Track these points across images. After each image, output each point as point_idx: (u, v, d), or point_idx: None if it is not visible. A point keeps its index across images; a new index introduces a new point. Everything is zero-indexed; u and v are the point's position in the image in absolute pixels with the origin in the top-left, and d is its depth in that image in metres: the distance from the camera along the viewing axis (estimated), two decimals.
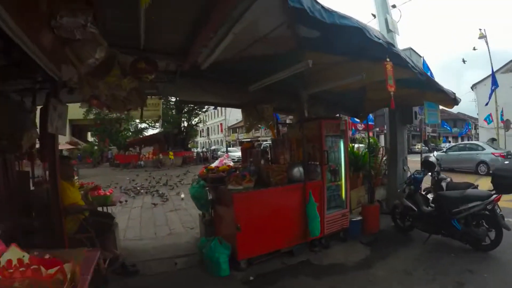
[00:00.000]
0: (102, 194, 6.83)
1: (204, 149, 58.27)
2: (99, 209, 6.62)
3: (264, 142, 32.21)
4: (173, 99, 41.93)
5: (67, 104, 4.89)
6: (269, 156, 7.26)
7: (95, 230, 5.16)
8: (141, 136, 47.09)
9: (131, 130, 46.36)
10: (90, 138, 51.35)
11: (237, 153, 38.80)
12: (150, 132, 47.42)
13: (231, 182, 5.89)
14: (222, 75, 6.80)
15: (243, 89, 7.08)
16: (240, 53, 5.39)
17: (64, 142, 46.25)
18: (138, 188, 17.87)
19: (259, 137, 62.91)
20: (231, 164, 25.31)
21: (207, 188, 6.74)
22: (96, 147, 46.84)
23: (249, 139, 67.27)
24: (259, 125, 7.56)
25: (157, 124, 41.87)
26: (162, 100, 8.21)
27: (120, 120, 40.67)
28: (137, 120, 40.57)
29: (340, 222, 7.11)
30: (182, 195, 14.64)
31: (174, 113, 40.70)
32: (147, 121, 40.51)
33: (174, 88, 6.82)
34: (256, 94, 7.12)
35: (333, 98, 8.43)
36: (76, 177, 7.80)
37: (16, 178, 5.51)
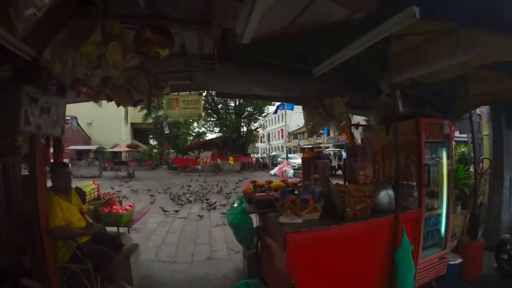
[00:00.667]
0: (115, 211, 5.20)
1: (264, 155, 56.59)
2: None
3: (327, 150, 29.86)
4: (232, 103, 41.15)
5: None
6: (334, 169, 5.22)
7: (95, 260, 4.04)
8: (200, 140, 46.59)
9: (192, 134, 45.86)
10: (153, 141, 51.68)
11: (297, 160, 37.05)
12: (209, 136, 46.91)
13: (285, 212, 3.89)
14: (274, 58, 5.03)
15: (304, 77, 5.17)
16: (296, 20, 3.61)
17: (124, 145, 47.26)
18: (188, 195, 16.62)
19: (321, 143, 60.72)
20: (291, 171, 23.73)
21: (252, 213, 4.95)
22: (155, 150, 47.06)
23: (310, 146, 65.23)
24: (327, 126, 5.49)
25: (216, 128, 41.19)
26: (203, 96, 6.33)
27: (179, 124, 40.48)
28: (195, 124, 39.97)
29: (436, 268, 4.82)
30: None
31: (233, 117, 39.85)
32: (204, 126, 39.89)
33: (212, 78, 5.25)
34: (321, 84, 5.22)
35: (416, 93, 6.17)
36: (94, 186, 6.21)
37: (20, 185, 4.76)
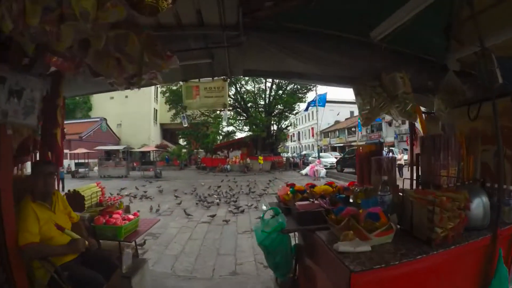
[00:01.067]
0: (113, 222, 4.09)
1: (294, 154, 55.13)
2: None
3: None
4: (262, 101, 39.95)
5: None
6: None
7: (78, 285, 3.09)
8: (230, 140, 45.73)
9: (222, 133, 45.01)
10: (182, 141, 51.34)
11: (329, 158, 35.71)
12: (239, 135, 45.93)
13: (344, 234, 2.59)
14: (317, 24, 3.78)
15: (354, 49, 3.92)
16: None
17: (153, 145, 47.11)
18: (215, 196, 15.67)
19: (353, 141, 58.54)
20: (323, 171, 22.35)
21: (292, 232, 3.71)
22: (184, 150, 46.58)
23: (341, 144, 63.42)
24: (387, 111, 4.11)
25: (245, 127, 40.13)
26: (228, 81, 5.15)
27: (208, 123, 39.73)
28: (224, 123, 39.29)
29: None
30: (264, 207, 12.15)
31: (263, 116, 38.60)
32: (233, 125, 39.10)
33: (238, 53, 4.08)
34: (375, 58, 3.95)
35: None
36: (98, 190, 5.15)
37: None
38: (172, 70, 3.37)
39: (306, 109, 37.99)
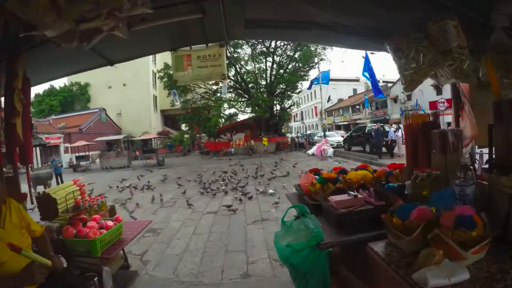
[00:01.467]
0: (85, 233, 3.15)
1: (299, 134, 53.96)
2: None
3: (370, 125, 27.40)
4: (264, 81, 38.79)
5: None
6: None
7: None
8: (232, 122, 44.73)
9: (224, 116, 43.93)
10: (184, 127, 50.37)
11: (336, 137, 34.91)
12: (241, 117, 44.69)
13: (426, 254, 1.62)
14: None
15: None
16: None
17: (154, 132, 46.26)
18: (221, 182, 14.65)
19: (359, 119, 57.12)
20: (330, 150, 21.69)
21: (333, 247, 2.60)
22: (187, 136, 45.70)
23: (346, 122, 62.17)
24: (434, 75, 3.02)
25: (248, 109, 39.03)
26: (226, 47, 4.11)
27: (208, 106, 38.70)
28: (226, 105, 38.20)
29: None
30: (271, 191, 11.67)
31: (264, 96, 37.00)
32: (235, 105, 37.90)
33: (236, 3, 3.18)
34: (414, 9, 2.98)
35: None
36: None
37: None
38: (157, 36, 2.40)
39: (309, 87, 36.50)
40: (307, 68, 38.82)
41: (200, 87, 38.62)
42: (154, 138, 34.07)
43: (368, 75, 21.66)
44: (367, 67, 21.74)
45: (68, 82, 54.44)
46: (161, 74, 37.75)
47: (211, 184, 14.14)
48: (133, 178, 18.92)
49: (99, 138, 34.06)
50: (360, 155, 22.10)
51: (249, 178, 15.87)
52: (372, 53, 22.51)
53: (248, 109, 39.32)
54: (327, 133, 36.65)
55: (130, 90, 50.75)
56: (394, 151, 20.75)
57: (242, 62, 38.51)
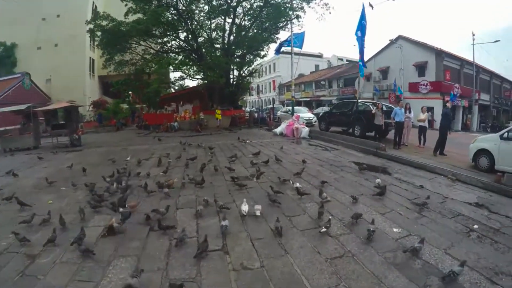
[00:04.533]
0: None
1: (253, 109, 46.44)
2: None
3: (366, 102, 20.98)
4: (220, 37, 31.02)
5: None
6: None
7: None
8: (179, 90, 37.09)
9: (169, 83, 36.37)
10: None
11: (306, 114, 28.28)
12: (191, 85, 36.76)
13: None
14: None
15: None
16: None
17: (89, 101, 39.05)
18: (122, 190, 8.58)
19: (322, 96, 52.64)
20: (305, 130, 13.37)
21: None
22: (126, 106, 37.72)
23: (308, 99, 56.31)
24: None
25: (197, 75, 30.95)
26: None
27: (149, 67, 30.54)
28: (171, 68, 29.74)
29: None
30: (258, 209, 6.77)
31: (219, 55, 28.73)
32: (182, 68, 29.29)
33: None
34: None
35: None
36: None
37: None
38: None
39: (278, 51, 28.86)
40: (275, 28, 31.10)
41: (140, 44, 30.96)
42: (64, 107, 24.93)
43: (360, 35, 17.74)
44: (361, 25, 17.83)
45: None
46: (91, 26, 29.35)
47: (106, 196, 8.15)
48: (25, 167, 13.55)
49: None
50: (355, 140, 15.84)
51: (187, 186, 9.28)
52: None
53: (199, 76, 31.34)
54: (297, 108, 29.94)
55: (62, 52, 43.33)
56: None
57: (196, 18, 30.52)
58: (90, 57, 46.67)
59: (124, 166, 11.86)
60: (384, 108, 16.69)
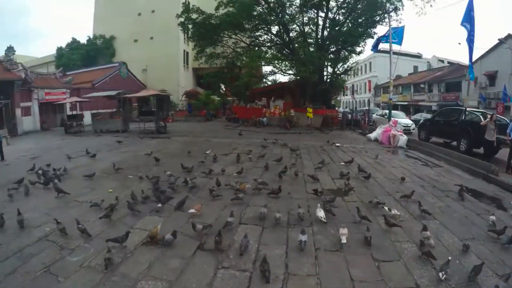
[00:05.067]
0: None
1: (347, 110, 43.99)
2: None
3: (476, 111, 17.89)
4: (313, 37, 29.80)
5: None
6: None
7: None
8: (270, 84, 36.40)
9: (266, 75, 36.59)
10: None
11: (404, 119, 25.70)
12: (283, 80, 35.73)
13: None
14: None
15: None
16: None
17: (182, 91, 41.07)
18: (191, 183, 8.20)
19: (420, 100, 48.06)
20: (403, 138, 13.41)
21: None
22: (217, 98, 39.19)
23: (405, 103, 52.02)
24: None
25: (289, 71, 29.75)
26: None
27: (239, 59, 30.16)
28: (263, 62, 28.85)
29: None
30: (344, 234, 5.42)
31: (313, 50, 27.32)
32: (273, 63, 28.36)
33: None
34: None
35: None
36: None
37: None
38: None
39: (375, 47, 26.44)
40: (371, 22, 28.62)
41: (231, 38, 30.86)
42: (159, 96, 25.66)
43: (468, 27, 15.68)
44: (469, 16, 15.78)
45: (92, 35, 50.55)
46: (182, 19, 30.10)
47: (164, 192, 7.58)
48: (105, 150, 14.55)
49: (91, 94, 27.71)
50: (461, 157, 13.13)
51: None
52: None
53: (291, 71, 30.04)
54: (394, 112, 27.20)
55: (158, 44, 45.36)
56: None
57: (288, 11, 29.62)
58: (184, 50, 48.08)
59: (203, 160, 11.40)
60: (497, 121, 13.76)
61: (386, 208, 6.51)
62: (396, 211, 6.39)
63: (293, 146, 14.72)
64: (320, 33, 29.26)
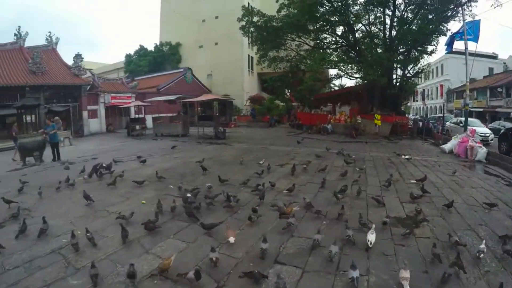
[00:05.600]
0: None
1: (417, 117, 41.10)
2: None
3: None
4: (380, 37, 27.96)
5: None
6: None
7: None
8: (335, 90, 34.81)
9: (332, 78, 35.06)
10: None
11: (481, 128, 22.90)
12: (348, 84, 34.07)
13: None
14: None
15: None
16: None
17: (246, 96, 41.68)
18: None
19: (497, 107, 41.77)
20: (482, 151, 14.25)
21: None
22: (281, 103, 38.35)
23: (480, 109, 46.78)
24: None
25: (355, 74, 27.97)
26: None
27: (302, 63, 28.85)
28: (327, 65, 27.23)
29: None
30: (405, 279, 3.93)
31: (380, 52, 25.29)
32: (338, 65, 26.52)
33: None
34: None
35: None
36: None
37: None
38: None
39: (450, 45, 23.62)
40: (443, 17, 25.73)
41: (294, 40, 29.70)
42: (213, 99, 25.30)
43: None
44: None
45: (159, 42, 53.78)
46: (243, 22, 29.56)
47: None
48: (159, 154, 14.83)
49: (154, 98, 29.48)
50: None
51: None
52: None
53: (357, 75, 28.25)
54: (471, 119, 24.24)
55: (222, 50, 46.73)
56: None
57: (352, 10, 27.97)
58: (248, 55, 48.44)
59: (257, 171, 10.26)
60: None
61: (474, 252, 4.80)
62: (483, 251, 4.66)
63: (356, 158, 13.27)
64: (387, 33, 27.18)
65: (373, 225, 5.22)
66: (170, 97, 26.61)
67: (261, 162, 11.62)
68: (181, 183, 8.61)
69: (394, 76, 28.70)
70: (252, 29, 29.61)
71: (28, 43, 27.60)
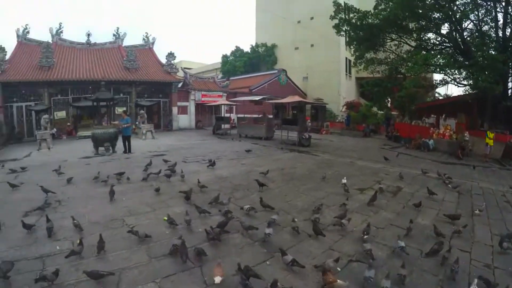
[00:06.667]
0: None
1: None
2: None
3: None
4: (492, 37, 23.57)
5: None
6: None
7: None
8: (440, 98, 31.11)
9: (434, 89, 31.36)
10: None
11: None
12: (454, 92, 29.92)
13: None
14: None
15: None
16: None
17: (343, 101, 40.72)
18: None
19: None
20: None
21: None
22: (379, 111, 35.11)
23: None
24: None
25: (464, 81, 24.10)
26: None
27: (402, 65, 25.81)
28: (432, 68, 23.13)
29: None
30: None
31: (494, 53, 20.15)
32: (444, 68, 22.30)
33: None
34: None
35: None
36: None
37: None
38: None
39: None
40: None
41: (393, 39, 26.88)
42: (301, 102, 23.37)
43: None
44: None
45: (254, 43, 55.23)
46: (336, 20, 27.33)
47: None
48: (228, 158, 14.17)
49: (239, 98, 30.66)
50: None
51: None
52: None
53: (465, 81, 24.20)
54: None
55: (318, 52, 46.15)
56: None
57: (458, 4, 23.68)
58: (346, 58, 46.40)
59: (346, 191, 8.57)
60: None
61: None
62: None
63: (462, 189, 9.74)
64: (500, 31, 22.64)
65: None
66: (254, 97, 26.02)
67: (343, 181, 9.31)
68: (220, 199, 7.28)
69: (510, 85, 23.64)
70: (346, 27, 27.25)
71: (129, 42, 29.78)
